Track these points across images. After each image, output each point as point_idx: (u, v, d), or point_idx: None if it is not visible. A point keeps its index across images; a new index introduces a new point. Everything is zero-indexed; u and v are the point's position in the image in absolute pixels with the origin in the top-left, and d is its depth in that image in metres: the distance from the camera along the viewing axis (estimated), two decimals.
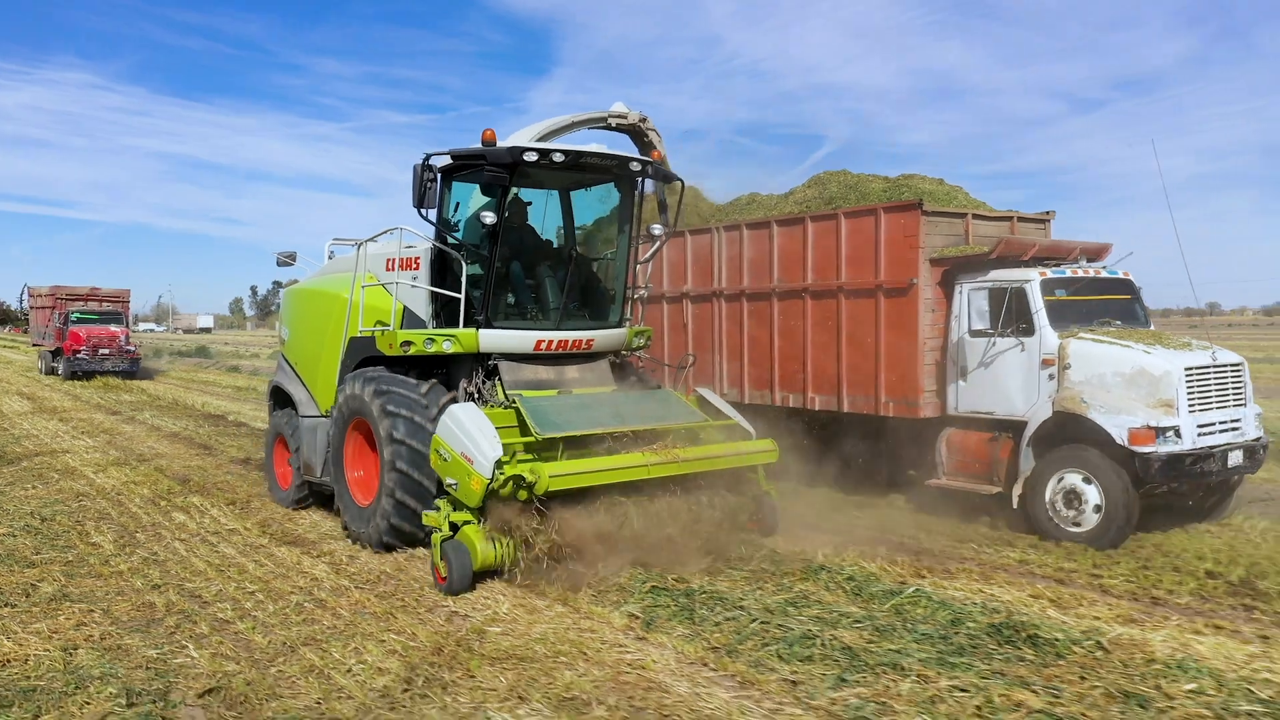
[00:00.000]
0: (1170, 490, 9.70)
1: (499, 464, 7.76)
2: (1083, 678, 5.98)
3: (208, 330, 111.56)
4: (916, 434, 11.40)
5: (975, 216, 11.53)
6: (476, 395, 9.41)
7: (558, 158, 8.86)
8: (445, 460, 8.17)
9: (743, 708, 5.70)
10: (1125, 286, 11.13)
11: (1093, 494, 9.62)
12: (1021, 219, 12.10)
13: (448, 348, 9.22)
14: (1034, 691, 5.75)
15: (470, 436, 7.96)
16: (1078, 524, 9.72)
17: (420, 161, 8.62)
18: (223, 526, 10.77)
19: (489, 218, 8.92)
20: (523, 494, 7.82)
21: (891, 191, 12.20)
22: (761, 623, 6.98)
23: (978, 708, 5.58)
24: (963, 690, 5.80)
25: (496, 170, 8.78)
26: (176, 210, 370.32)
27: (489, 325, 9.34)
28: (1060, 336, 10.15)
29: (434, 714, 5.69)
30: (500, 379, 9.43)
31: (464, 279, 9.20)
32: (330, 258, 12.62)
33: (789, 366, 12.53)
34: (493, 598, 7.85)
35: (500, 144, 8.78)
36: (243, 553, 9.55)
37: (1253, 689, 5.83)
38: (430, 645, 6.80)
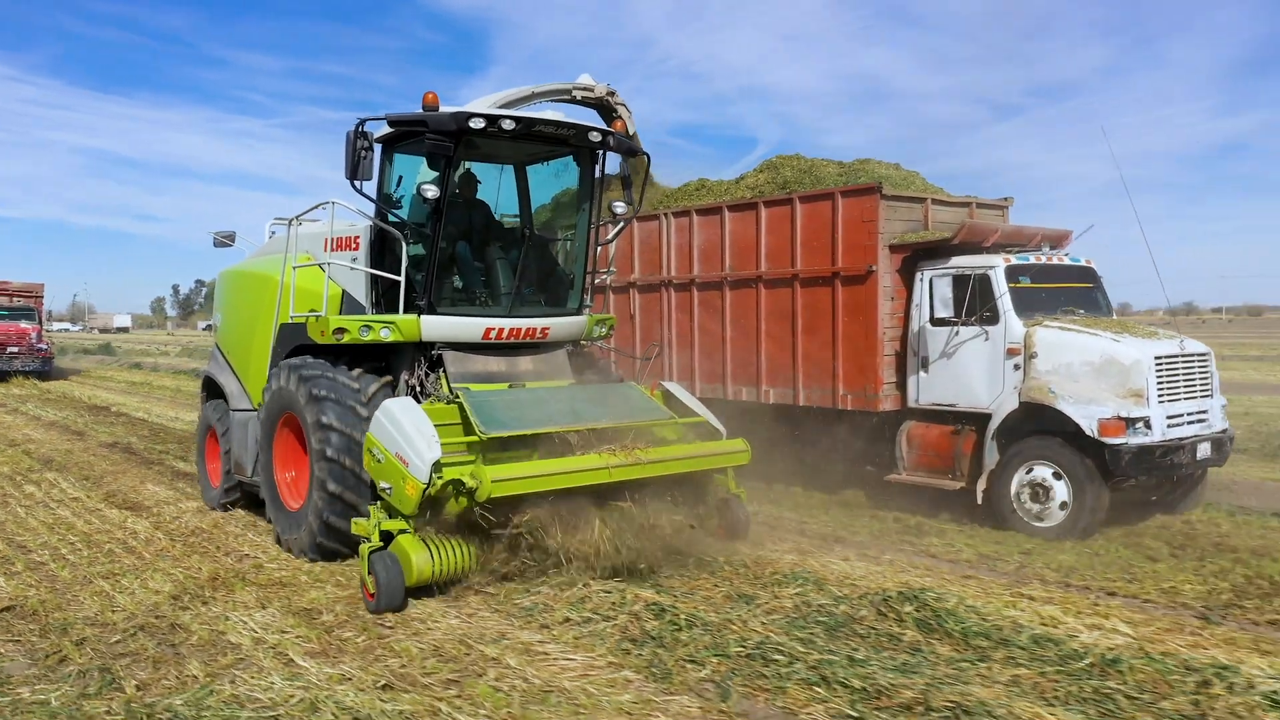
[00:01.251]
0: (1137, 483, 9.36)
1: (437, 467, 7.01)
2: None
3: (125, 330, 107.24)
4: (875, 428, 10.96)
5: (934, 202, 11.13)
6: (418, 389, 8.67)
7: (507, 125, 8.10)
8: (379, 461, 7.41)
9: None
10: (1087, 274, 10.82)
11: (1060, 487, 9.26)
12: (980, 205, 11.75)
13: (385, 336, 8.44)
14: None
15: (405, 435, 7.21)
16: (1043, 518, 9.34)
17: (353, 128, 7.84)
18: (68, 496, 11.64)
19: (431, 191, 8.15)
20: (462, 501, 7.12)
21: (847, 176, 11.74)
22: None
23: None
24: None
25: (439, 139, 8.00)
26: (94, 206, 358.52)
27: (432, 311, 8.55)
28: (1025, 325, 9.76)
29: (186, 618, 6.97)
30: (445, 371, 8.67)
31: (404, 260, 8.42)
32: (270, 238, 11.83)
33: (742, 359, 12.00)
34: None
35: (445, 109, 8.02)
36: (77, 515, 10.55)
37: None
38: (208, 575, 8.07)
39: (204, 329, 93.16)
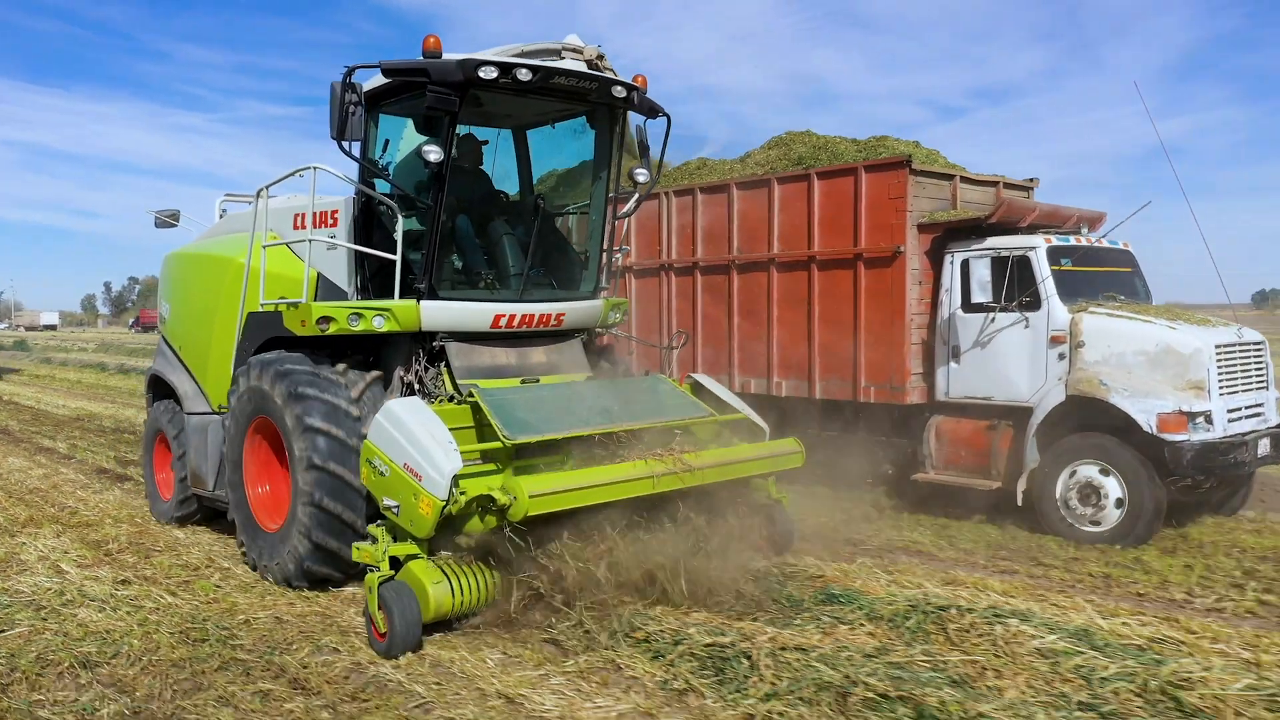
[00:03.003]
0: (1193, 483, 8.62)
1: (457, 480, 5.98)
2: None
3: (53, 328, 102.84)
4: (898, 423, 10.14)
5: (963, 180, 10.32)
6: (416, 387, 7.63)
7: (523, 75, 7.00)
8: (382, 475, 6.32)
9: None
10: (1126, 258, 10.08)
11: (1113, 487, 8.49)
12: (1007, 184, 10.96)
13: (379, 325, 7.33)
14: None
15: (416, 443, 6.14)
16: (1096, 522, 8.56)
17: (340, 80, 6.79)
18: None
19: (434, 154, 7.04)
20: (491, 520, 6.11)
21: (866, 152, 10.87)
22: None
23: None
24: None
25: (442, 91, 6.93)
26: (27, 201, 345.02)
27: (433, 296, 7.45)
28: (1070, 311, 8.98)
29: None
30: (449, 365, 7.62)
31: (399, 236, 7.34)
32: (221, 217, 10.69)
33: (751, 348, 11.12)
34: None
35: (448, 56, 6.98)
36: None
37: None
38: (25, 518, 9.61)
39: (131, 327, 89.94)
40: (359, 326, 7.31)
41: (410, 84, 7.15)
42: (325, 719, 5.14)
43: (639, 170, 8.25)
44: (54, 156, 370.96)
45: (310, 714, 5.17)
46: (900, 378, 9.80)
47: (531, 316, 7.90)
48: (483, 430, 6.89)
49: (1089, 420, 8.70)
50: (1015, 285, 9.17)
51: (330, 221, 8.17)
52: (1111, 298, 9.39)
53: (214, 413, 9.01)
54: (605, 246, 8.50)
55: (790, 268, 10.72)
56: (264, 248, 8.06)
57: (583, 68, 7.56)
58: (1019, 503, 9.01)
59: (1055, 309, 9.01)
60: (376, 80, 7.32)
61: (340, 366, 7.52)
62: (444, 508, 5.92)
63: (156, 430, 9.92)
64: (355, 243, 7.77)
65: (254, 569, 7.82)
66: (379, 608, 6.02)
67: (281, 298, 8.01)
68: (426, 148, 7.06)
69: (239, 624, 6.57)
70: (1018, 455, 9.14)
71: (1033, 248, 9.20)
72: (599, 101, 7.77)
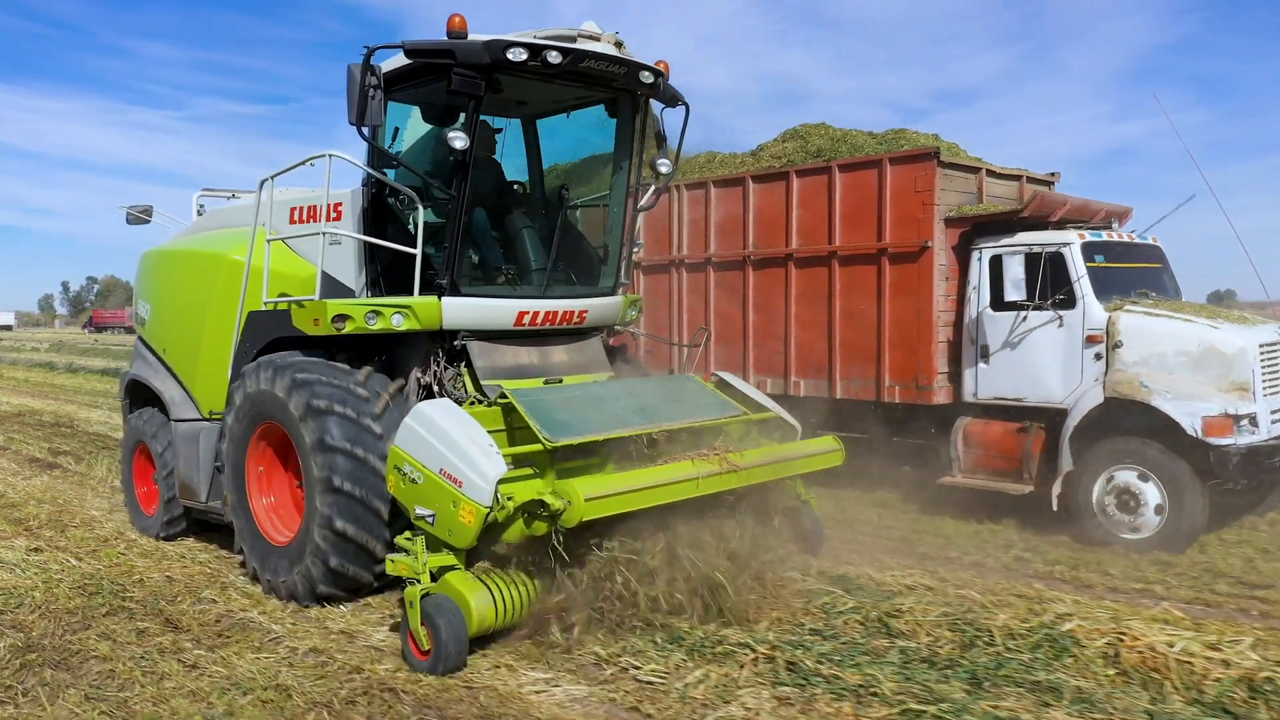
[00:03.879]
0: (1233, 487, 8.34)
1: (500, 485, 5.60)
2: None
3: (8, 328, 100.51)
4: (922, 425, 9.81)
5: (989, 174, 10.00)
6: (435, 388, 7.22)
7: (554, 58, 6.59)
8: (414, 482, 5.91)
9: None
10: (1156, 254, 9.78)
11: (1152, 493, 8.19)
12: (1030, 179, 10.65)
13: (398, 323, 6.89)
14: None
15: (455, 447, 5.74)
16: (1135, 529, 8.27)
17: (360, 61, 6.35)
18: None
19: (460, 141, 6.60)
20: (540, 527, 5.71)
21: (888, 145, 10.53)
22: None
23: None
24: None
25: (468, 74, 6.53)
26: None
27: (455, 292, 7.05)
28: (1107, 309, 8.67)
29: None
30: (470, 366, 7.21)
31: (420, 229, 6.92)
32: (200, 213, 10.19)
33: (768, 346, 10.76)
34: None
35: (474, 37, 6.55)
36: None
37: None
38: None
39: (85, 328, 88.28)
40: (376, 325, 6.88)
41: (431, 67, 6.73)
42: (188, 647, 6.14)
43: (661, 161, 7.89)
44: (10, 153, 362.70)
45: (177, 645, 6.18)
46: (927, 377, 9.48)
47: (555, 314, 7.52)
48: (514, 433, 6.54)
49: (1127, 423, 8.40)
50: (1048, 282, 8.85)
51: (333, 215, 7.74)
52: (1144, 295, 9.10)
53: (204, 419, 8.54)
54: (626, 241, 8.12)
55: (809, 263, 10.37)
56: (268, 242, 7.60)
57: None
58: (1054, 508, 8.71)
59: (1091, 307, 8.69)
60: (392, 63, 6.88)
61: (362, 374, 7.05)
62: (488, 515, 5.55)
63: (138, 441, 9.35)
64: (368, 236, 7.34)
65: (255, 580, 7.38)
66: (422, 624, 5.63)
67: (282, 294, 7.60)
68: (451, 134, 6.63)
69: (133, 582, 7.49)
70: (1051, 459, 8.83)
71: (1067, 244, 8.88)
72: (624, 88, 7.39)
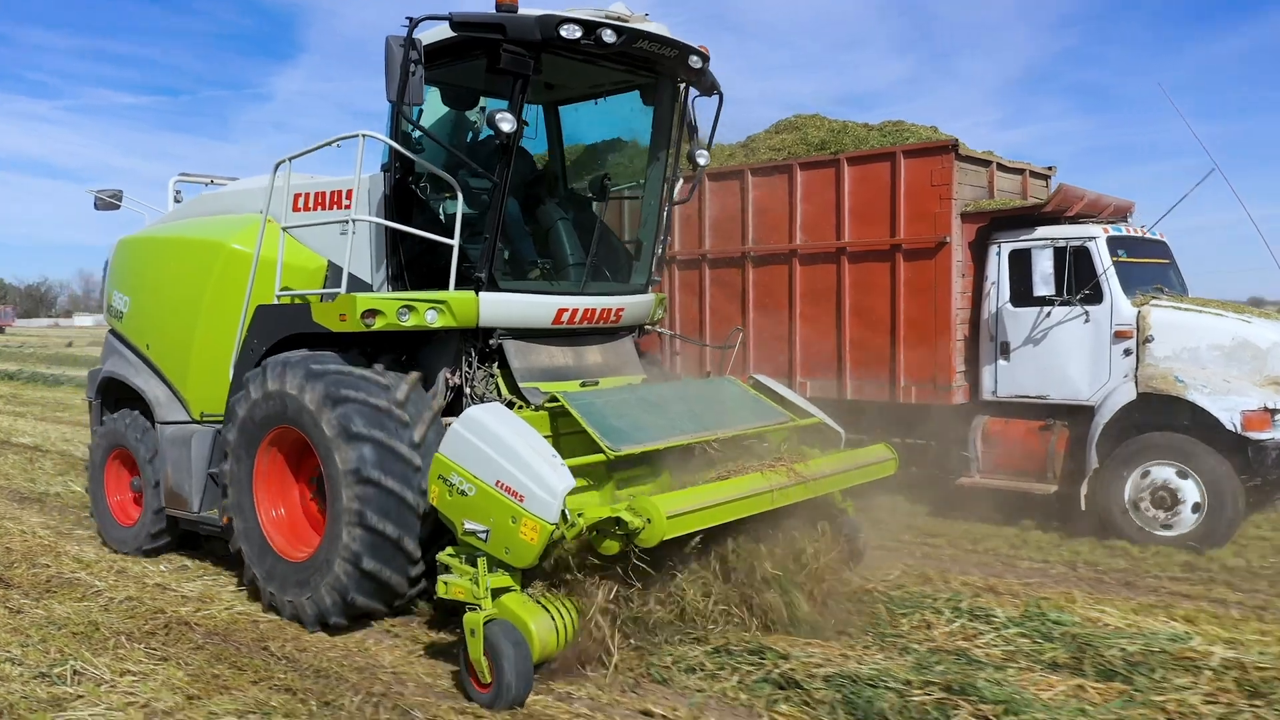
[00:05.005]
0: (1265, 482, 8.28)
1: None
2: None
3: None
4: (938, 424, 9.54)
5: (998, 167, 9.81)
6: (465, 392, 6.60)
7: (608, 37, 6.08)
8: (464, 495, 5.29)
9: None
10: (1165, 250, 9.73)
11: (1190, 489, 8.07)
12: (1033, 173, 10.53)
13: (432, 320, 6.29)
14: None
15: (515, 457, 5.16)
16: (1170, 525, 8.14)
17: (403, 35, 5.72)
18: None
19: (508, 124, 6.03)
20: (611, 546, 5.18)
21: (892, 137, 10.25)
22: None
23: None
24: None
25: (517, 51, 5.97)
26: None
27: (492, 287, 6.48)
28: (1134, 304, 8.55)
29: None
30: (505, 366, 6.65)
31: (458, 218, 6.29)
32: (177, 200, 9.38)
33: (770, 346, 10.35)
34: None
35: (525, 11, 5.97)
36: None
37: None
38: None
39: None
40: (409, 322, 6.24)
41: (473, 42, 6.14)
42: (16, 599, 6.93)
43: (700, 152, 7.45)
44: None
45: (6, 597, 6.95)
46: (946, 377, 9.21)
47: (593, 311, 7.02)
48: (558, 440, 6.00)
49: (1160, 419, 8.28)
50: (1073, 277, 8.69)
51: (342, 202, 7.08)
52: (1160, 290, 9.02)
53: (194, 422, 7.75)
54: (660, 235, 7.64)
55: (815, 260, 10.01)
56: (284, 230, 6.87)
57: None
58: (1082, 507, 8.53)
59: (1119, 302, 8.56)
60: (431, 36, 6.26)
61: (404, 388, 6.38)
62: (554, 532, 4.99)
63: (114, 445, 8.48)
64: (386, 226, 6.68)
65: (270, 608, 6.62)
66: (483, 654, 5.04)
67: (285, 288, 6.92)
68: (500, 116, 6.04)
69: None
70: (1077, 457, 8.66)
71: (1092, 237, 8.73)
72: (668, 72, 6.95)
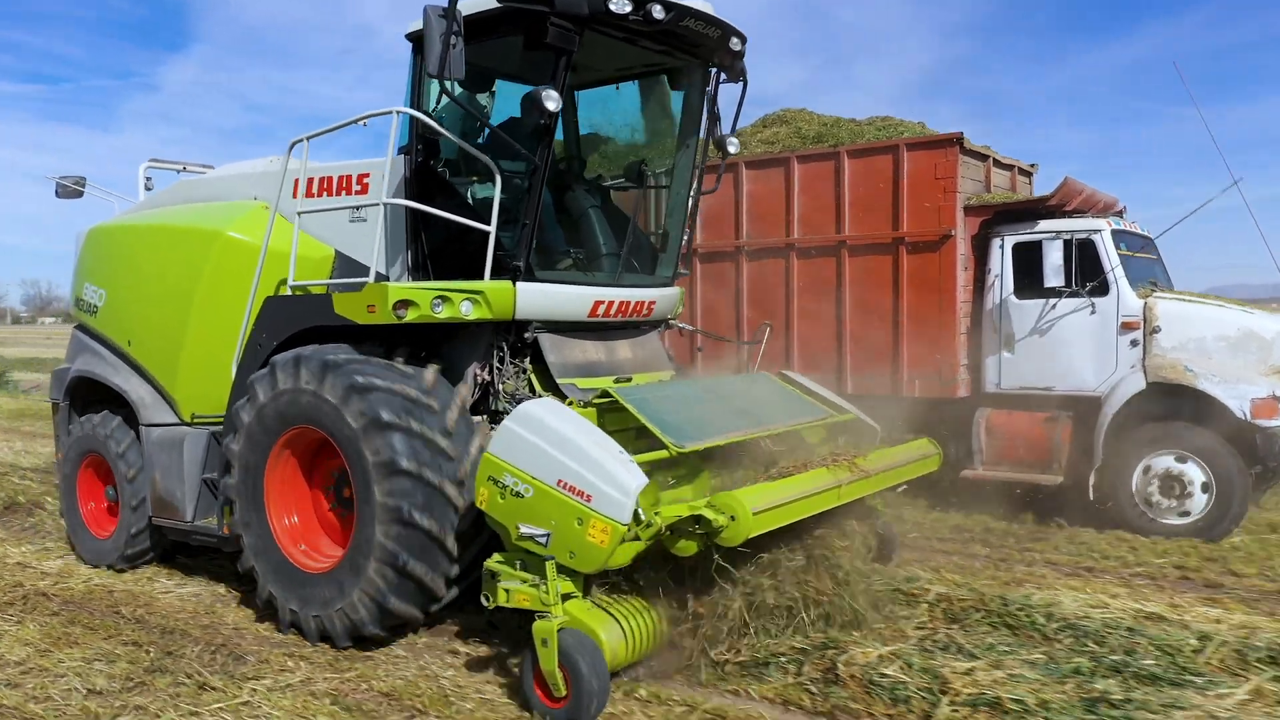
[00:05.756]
0: (1266, 469, 8.50)
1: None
2: None
3: None
4: (940, 418, 9.53)
5: (994, 162, 9.89)
6: (497, 388, 6.25)
7: (658, 13, 5.80)
8: (518, 496, 4.94)
9: None
10: (1152, 245, 9.94)
11: (1198, 476, 8.21)
12: (1020, 170, 10.66)
13: (467, 311, 5.89)
14: None
15: (581, 455, 4.85)
16: (1184, 514, 8.27)
17: (443, 5, 5.36)
18: None
19: (553, 102, 5.67)
20: (688, 546, 4.91)
21: (887, 131, 10.24)
22: None
23: None
24: None
25: (564, 26, 5.67)
26: None
27: (530, 276, 6.14)
28: (1138, 296, 8.68)
29: None
30: (536, 361, 6.33)
31: (495, 203, 5.91)
32: (148, 188, 8.79)
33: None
34: None
35: None
36: None
37: None
38: None
39: None
40: (443, 313, 5.84)
41: (516, 16, 5.83)
42: None
43: (731, 140, 7.28)
44: None
45: None
46: (951, 370, 9.21)
47: (628, 304, 6.76)
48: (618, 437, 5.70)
49: (1169, 408, 8.41)
50: (1077, 270, 8.78)
51: (357, 187, 6.67)
52: (1154, 283, 9.19)
53: (184, 424, 7.20)
54: (688, 226, 7.43)
55: (813, 254, 9.92)
56: (300, 215, 6.40)
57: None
58: (1090, 496, 8.61)
59: (1125, 294, 8.68)
60: (469, 7, 5.90)
61: (429, 377, 5.99)
62: (627, 533, 4.72)
63: (87, 450, 7.82)
64: (409, 212, 6.27)
65: (291, 628, 6.10)
66: (558, 665, 4.71)
67: (282, 280, 6.53)
68: (545, 94, 5.70)
69: None
70: (1084, 447, 8.75)
71: (1098, 230, 8.85)
72: (706, 55, 6.75)
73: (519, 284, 6.08)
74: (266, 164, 7.58)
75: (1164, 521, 8.31)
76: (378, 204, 6.10)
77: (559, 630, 4.75)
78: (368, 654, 5.72)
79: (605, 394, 5.91)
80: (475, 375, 6.26)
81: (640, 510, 4.77)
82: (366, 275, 6.30)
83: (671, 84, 7.17)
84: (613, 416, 5.90)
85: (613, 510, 4.72)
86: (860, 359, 9.69)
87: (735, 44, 6.58)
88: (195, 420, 7.14)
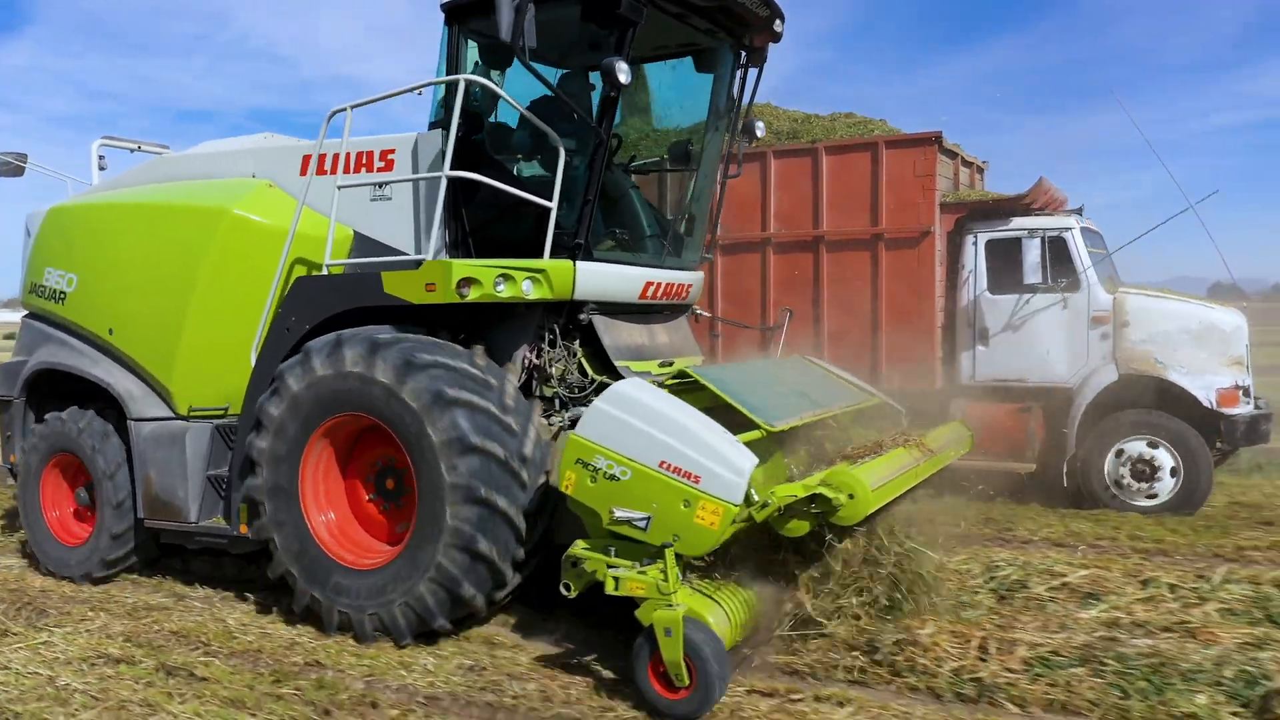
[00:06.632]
0: (1224, 453, 9.12)
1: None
2: None
3: None
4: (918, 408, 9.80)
5: (961, 161, 10.23)
6: (550, 373, 6.11)
7: None
8: (613, 479, 4.82)
9: None
10: (1103, 241, 10.46)
11: (1166, 460, 8.72)
12: (976, 168, 11.04)
13: (529, 290, 5.74)
14: None
15: (688, 435, 4.76)
16: (1152, 495, 8.77)
17: None
18: None
19: (625, 74, 5.59)
20: (800, 526, 4.87)
21: (856, 128, 10.44)
22: None
23: None
24: None
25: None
26: None
27: (588, 256, 6.01)
28: (1106, 291, 9.14)
29: None
30: (592, 344, 6.24)
31: (558, 178, 5.76)
32: (102, 167, 8.24)
33: (742, 335, 10.28)
34: None
35: None
36: None
37: None
38: None
39: None
40: (505, 292, 5.69)
41: None
42: None
43: (758, 123, 7.34)
44: None
45: None
46: (930, 362, 9.49)
47: (671, 286, 6.80)
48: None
49: (1136, 398, 8.88)
50: (1049, 266, 9.17)
51: (379, 164, 6.38)
52: (1111, 279, 9.68)
53: (181, 418, 6.76)
54: (716, 211, 7.46)
55: (790, 249, 10.04)
56: (340, 189, 6.08)
57: None
58: (1064, 483, 9.04)
59: (1095, 289, 9.11)
60: None
61: (479, 355, 5.83)
62: (738, 515, 4.69)
63: (56, 450, 7.23)
64: (449, 187, 5.98)
65: (340, 628, 5.80)
66: (684, 655, 4.62)
67: (299, 259, 6.31)
68: (618, 66, 5.61)
69: None
70: (1057, 435, 9.16)
71: (1068, 228, 9.26)
72: (745, 34, 6.78)
73: (578, 263, 5.95)
74: (261, 139, 7.25)
75: (1134, 503, 8.80)
76: (439, 176, 5.77)
77: (685, 619, 4.64)
78: (164, 604, 6.53)
79: (681, 375, 5.83)
80: (524, 358, 6.10)
81: (753, 491, 4.74)
82: (388, 255, 6.10)
83: (700, 66, 7.15)
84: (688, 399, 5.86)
85: (725, 491, 4.67)
86: (837, 353, 9.78)
87: (779, 26, 6.66)
88: (193, 414, 6.69)
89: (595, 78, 6.86)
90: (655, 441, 4.80)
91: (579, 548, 5.02)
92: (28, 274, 7.65)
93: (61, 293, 7.32)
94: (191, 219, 6.72)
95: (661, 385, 5.92)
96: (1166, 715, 4.50)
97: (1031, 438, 9.30)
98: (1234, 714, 4.49)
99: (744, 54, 7.05)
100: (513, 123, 6.64)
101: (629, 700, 4.89)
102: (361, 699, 4.92)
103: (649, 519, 4.77)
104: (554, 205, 5.78)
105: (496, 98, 6.42)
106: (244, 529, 6.23)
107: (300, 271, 6.28)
